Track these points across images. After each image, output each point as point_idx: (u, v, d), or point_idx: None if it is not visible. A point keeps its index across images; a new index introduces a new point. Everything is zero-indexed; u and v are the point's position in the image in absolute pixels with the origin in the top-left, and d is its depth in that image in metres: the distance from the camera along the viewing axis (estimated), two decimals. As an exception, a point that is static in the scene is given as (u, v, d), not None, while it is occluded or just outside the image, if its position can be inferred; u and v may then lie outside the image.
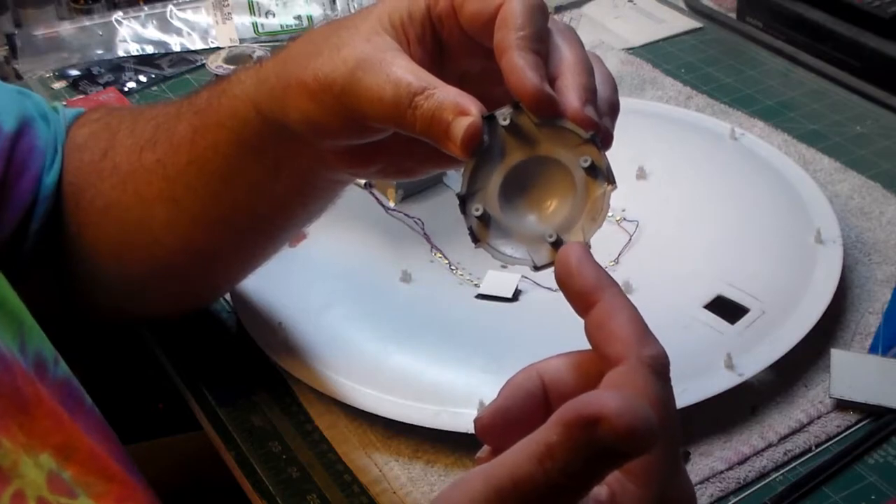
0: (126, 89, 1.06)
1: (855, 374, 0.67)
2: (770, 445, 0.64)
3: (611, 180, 0.47)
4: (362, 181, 0.85)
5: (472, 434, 0.44)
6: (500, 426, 0.43)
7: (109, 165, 0.66)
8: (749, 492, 0.62)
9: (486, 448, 0.44)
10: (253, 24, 1.13)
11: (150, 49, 1.11)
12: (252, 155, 0.59)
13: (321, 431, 0.68)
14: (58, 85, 1.07)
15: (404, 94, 0.49)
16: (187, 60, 1.10)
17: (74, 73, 1.08)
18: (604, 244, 0.76)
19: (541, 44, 0.48)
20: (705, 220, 0.80)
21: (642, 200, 0.82)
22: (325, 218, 0.67)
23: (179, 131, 0.62)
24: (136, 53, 1.11)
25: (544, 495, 0.36)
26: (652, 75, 1.02)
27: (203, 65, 1.07)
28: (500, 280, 0.76)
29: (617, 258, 0.78)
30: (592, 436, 0.35)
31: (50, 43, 1.11)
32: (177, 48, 1.12)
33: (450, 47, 0.53)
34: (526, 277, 0.75)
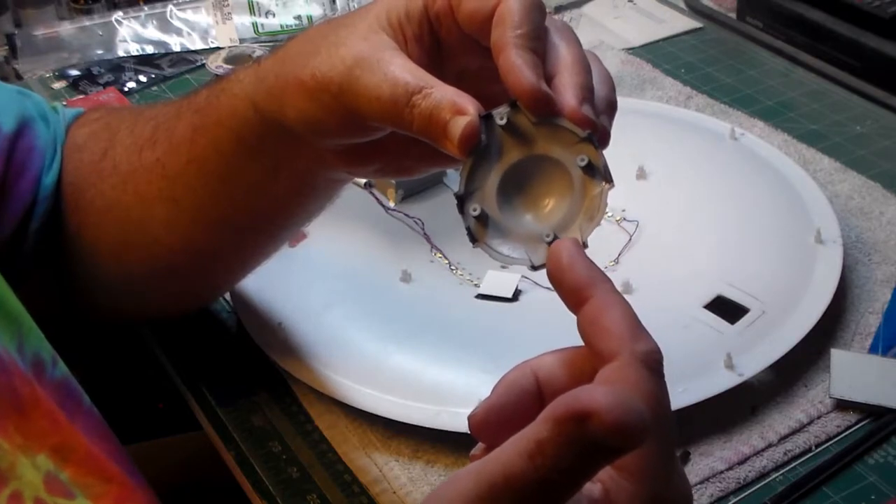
0: (126, 89, 1.06)
1: (855, 374, 0.67)
2: (770, 445, 0.64)
3: (608, 179, 0.46)
4: (362, 181, 0.85)
5: (470, 433, 0.44)
6: (494, 423, 0.42)
7: (109, 165, 0.66)
8: (749, 492, 0.62)
9: (480, 445, 0.44)
10: (253, 24, 1.13)
11: (150, 49, 1.11)
12: (251, 154, 0.59)
13: (321, 431, 0.68)
14: (58, 85, 1.07)
15: (402, 93, 0.49)
16: (187, 60, 1.10)
17: (74, 73, 1.08)
18: (604, 244, 0.77)
19: (538, 42, 0.48)
20: (705, 220, 0.80)
21: (642, 200, 0.82)
22: (325, 218, 0.67)
23: (179, 131, 0.62)
24: (136, 53, 1.11)
25: (536, 491, 0.36)
26: (652, 75, 1.02)
27: (203, 65, 1.07)
28: (500, 280, 0.76)
29: (617, 258, 0.78)
30: (583, 431, 0.35)
31: (50, 43, 1.11)
32: (177, 48, 1.12)
33: (447, 46, 0.53)
34: (526, 277, 0.75)
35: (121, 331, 0.78)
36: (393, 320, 0.74)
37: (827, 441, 0.65)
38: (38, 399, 0.50)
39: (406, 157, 0.57)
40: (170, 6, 1.14)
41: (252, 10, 1.13)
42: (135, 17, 1.13)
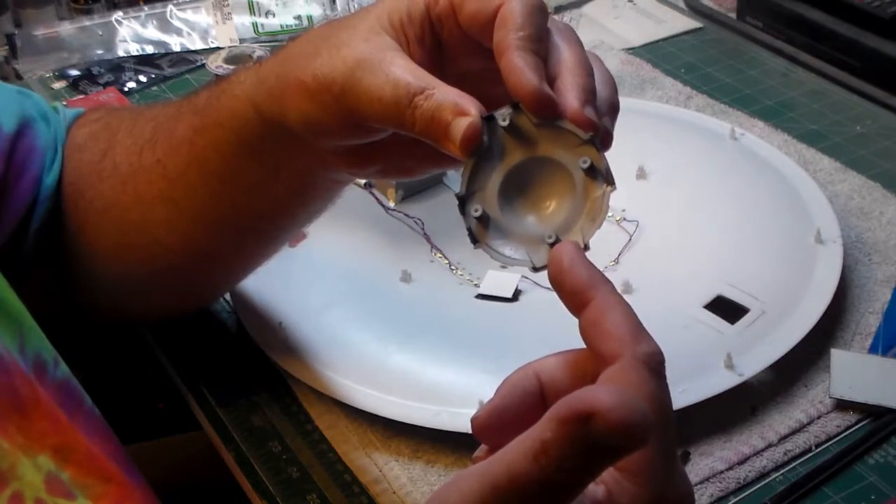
0: (126, 89, 1.06)
1: (855, 374, 0.67)
2: (770, 445, 0.64)
3: (610, 181, 0.46)
4: (362, 181, 0.85)
5: (472, 434, 0.44)
6: (497, 425, 0.43)
7: (109, 166, 0.66)
8: (749, 492, 0.62)
9: (482, 447, 0.44)
10: (253, 24, 1.13)
11: (150, 49, 1.11)
12: (252, 155, 0.59)
13: (321, 431, 0.68)
14: (58, 85, 1.07)
15: (403, 94, 0.49)
16: (187, 60, 1.10)
17: (74, 73, 1.08)
18: (604, 244, 0.77)
19: (540, 44, 0.48)
20: (705, 220, 0.80)
21: (642, 200, 0.82)
22: (325, 218, 0.67)
23: (179, 131, 0.62)
24: (136, 53, 1.11)
25: (540, 492, 0.36)
26: (652, 75, 1.02)
27: (203, 65, 1.07)
28: (500, 280, 0.76)
29: (617, 258, 0.78)
30: (586, 431, 0.35)
31: (50, 43, 1.11)
32: (177, 48, 1.12)
33: (449, 47, 0.53)
34: (526, 277, 0.75)
35: (121, 331, 0.78)
36: (393, 320, 0.74)
37: (827, 441, 0.65)
38: (38, 399, 0.50)
39: (407, 158, 0.57)
40: (170, 6, 1.13)
41: (252, 10, 1.13)
42: (135, 17, 1.13)
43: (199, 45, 1.12)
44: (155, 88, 1.06)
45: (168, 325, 0.76)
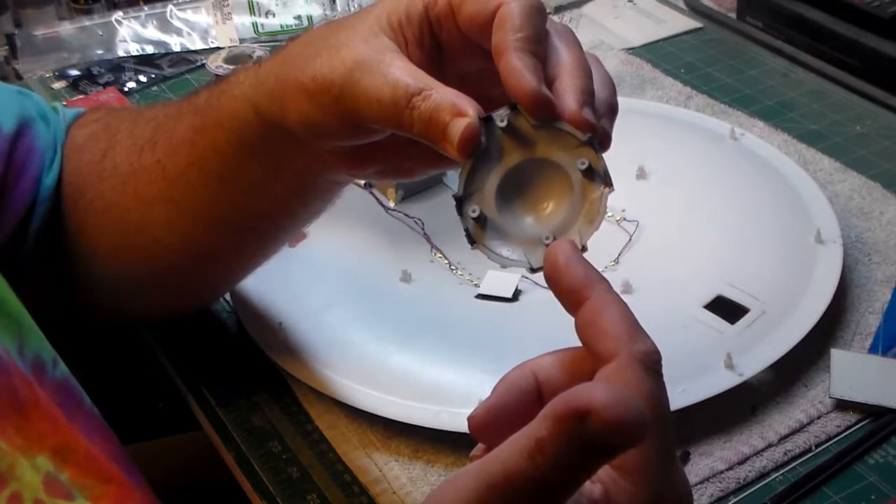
0: (126, 89, 1.06)
1: (855, 374, 0.67)
2: (770, 445, 0.64)
3: (608, 183, 0.46)
4: (362, 181, 0.85)
5: (470, 434, 0.44)
6: (494, 424, 0.42)
7: (109, 166, 0.66)
8: (749, 492, 0.62)
9: (480, 446, 0.44)
10: (253, 24, 1.13)
11: (150, 49, 1.11)
12: (251, 155, 0.59)
13: (321, 431, 0.68)
14: (58, 85, 1.07)
15: (402, 95, 0.49)
16: (187, 60, 1.10)
17: (74, 73, 1.09)
18: (604, 244, 0.77)
19: (538, 45, 0.48)
20: (705, 220, 0.80)
21: (642, 200, 0.82)
22: (325, 218, 0.67)
23: (179, 132, 0.62)
24: (136, 53, 1.11)
25: (536, 490, 0.36)
26: (652, 75, 1.02)
27: (203, 65, 1.07)
28: (500, 280, 0.76)
29: (617, 258, 0.78)
30: (582, 429, 0.35)
31: (50, 43, 1.11)
32: (177, 48, 1.12)
33: (448, 48, 0.53)
34: (526, 277, 0.75)
35: (121, 331, 0.78)
36: (393, 320, 0.74)
37: (827, 441, 0.65)
38: (37, 400, 0.50)
39: (406, 159, 0.57)
40: (170, 6, 1.14)
41: (252, 10, 1.13)
42: (135, 17, 1.13)
43: (199, 45, 1.12)
44: (155, 88, 1.06)
45: (168, 325, 0.76)
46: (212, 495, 0.75)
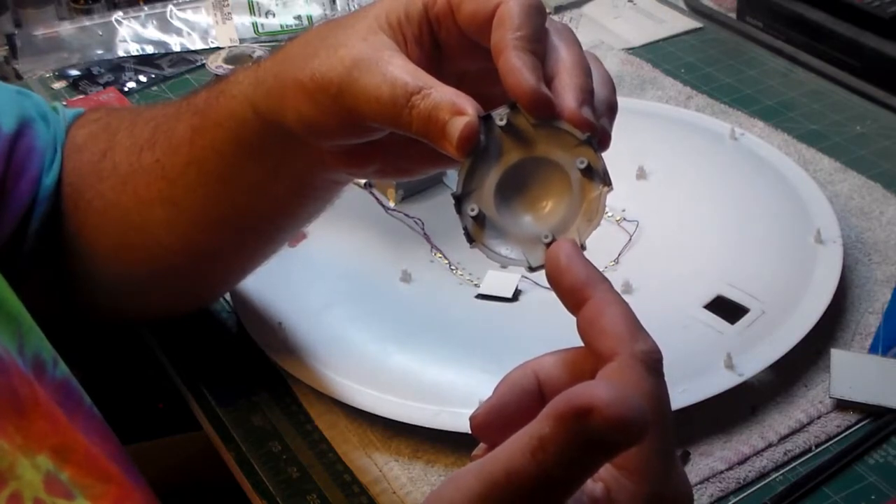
0: (126, 89, 1.06)
1: (855, 374, 0.67)
2: (770, 445, 0.64)
3: (607, 182, 0.46)
4: (362, 181, 0.85)
5: (472, 434, 0.44)
6: (496, 423, 0.43)
7: (109, 166, 0.66)
8: (749, 492, 0.62)
9: (481, 446, 0.44)
10: (253, 24, 1.13)
11: (150, 49, 1.12)
12: (251, 155, 0.59)
13: (321, 431, 0.68)
14: (58, 85, 1.07)
15: (401, 93, 0.49)
16: (187, 60, 1.10)
17: (74, 73, 1.09)
18: (604, 244, 0.77)
19: (538, 44, 0.48)
20: (705, 220, 0.80)
21: (642, 200, 0.82)
22: (325, 218, 0.67)
23: (178, 132, 0.62)
24: (136, 53, 1.11)
25: (538, 488, 0.36)
26: (652, 75, 1.02)
27: (203, 65, 1.07)
28: (500, 280, 0.76)
29: (617, 258, 0.78)
30: (584, 427, 0.35)
31: (50, 43, 1.11)
32: (177, 48, 1.12)
33: (447, 47, 0.53)
34: (526, 277, 0.75)
35: (121, 331, 0.78)
36: (393, 320, 0.74)
37: (827, 441, 0.65)
38: (38, 399, 0.50)
39: (405, 158, 0.57)
40: (170, 6, 1.14)
41: (252, 10, 1.13)
42: (135, 17, 1.13)
43: (199, 45, 1.12)
44: (155, 88, 1.06)
45: (168, 325, 0.76)
46: (212, 495, 0.75)
